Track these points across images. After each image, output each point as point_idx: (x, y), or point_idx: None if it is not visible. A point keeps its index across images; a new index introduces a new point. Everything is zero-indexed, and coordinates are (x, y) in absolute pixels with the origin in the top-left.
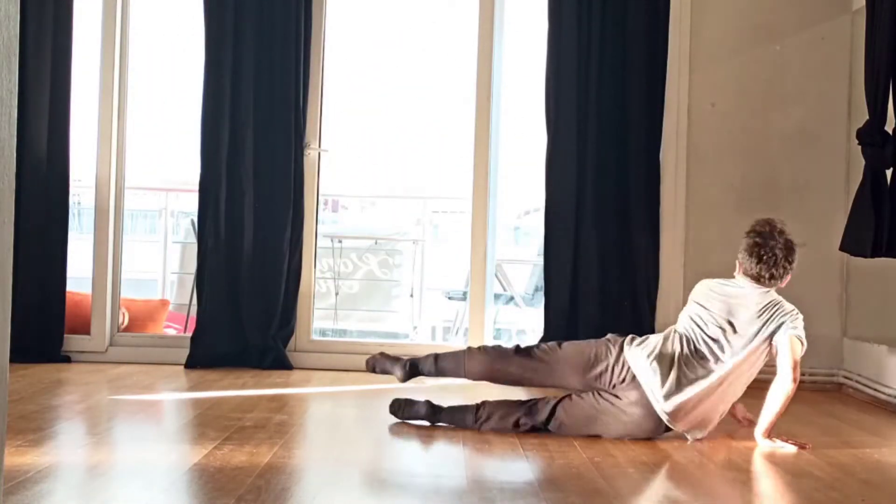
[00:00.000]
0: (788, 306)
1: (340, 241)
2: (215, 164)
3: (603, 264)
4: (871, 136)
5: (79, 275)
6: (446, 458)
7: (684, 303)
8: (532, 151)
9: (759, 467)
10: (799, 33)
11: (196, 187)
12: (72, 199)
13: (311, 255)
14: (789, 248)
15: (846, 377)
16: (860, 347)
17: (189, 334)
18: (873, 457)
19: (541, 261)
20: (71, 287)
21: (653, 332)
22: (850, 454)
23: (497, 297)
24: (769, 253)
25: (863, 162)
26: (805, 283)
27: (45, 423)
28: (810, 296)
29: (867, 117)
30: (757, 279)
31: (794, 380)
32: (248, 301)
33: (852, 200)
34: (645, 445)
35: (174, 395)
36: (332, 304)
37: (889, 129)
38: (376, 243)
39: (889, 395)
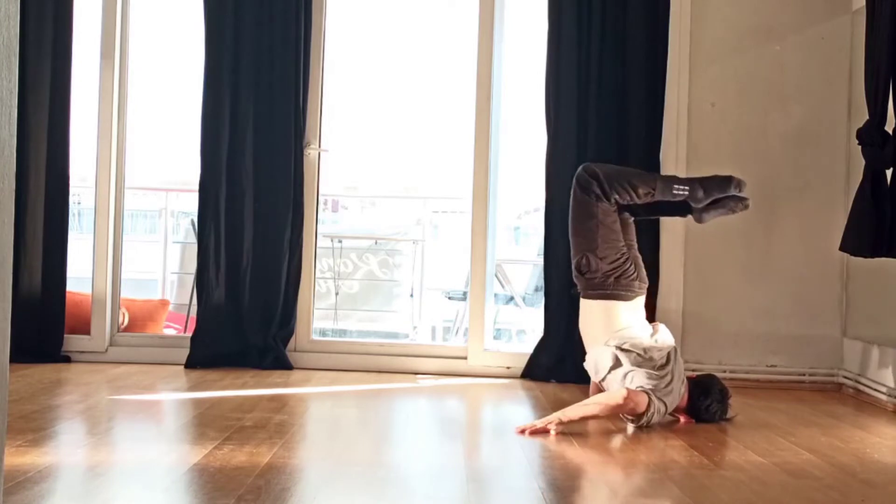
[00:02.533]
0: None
1: (340, 241)
2: (215, 164)
3: None
4: (871, 136)
5: (79, 275)
6: (447, 458)
7: (684, 302)
8: (532, 151)
9: (759, 467)
10: (799, 33)
11: (196, 187)
12: (72, 199)
13: (311, 255)
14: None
15: (846, 377)
16: (860, 347)
17: (189, 334)
18: (873, 457)
19: (541, 261)
20: (71, 287)
21: None
22: (850, 454)
23: (497, 296)
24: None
25: (863, 162)
26: (805, 283)
27: (45, 423)
28: (810, 296)
29: (867, 117)
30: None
31: (620, 398)
32: (248, 301)
33: (852, 200)
34: (645, 446)
35: (174, 395)
36: (332, 304)
37: (889, 129)
38: (376, 243)
39: (889, 395)
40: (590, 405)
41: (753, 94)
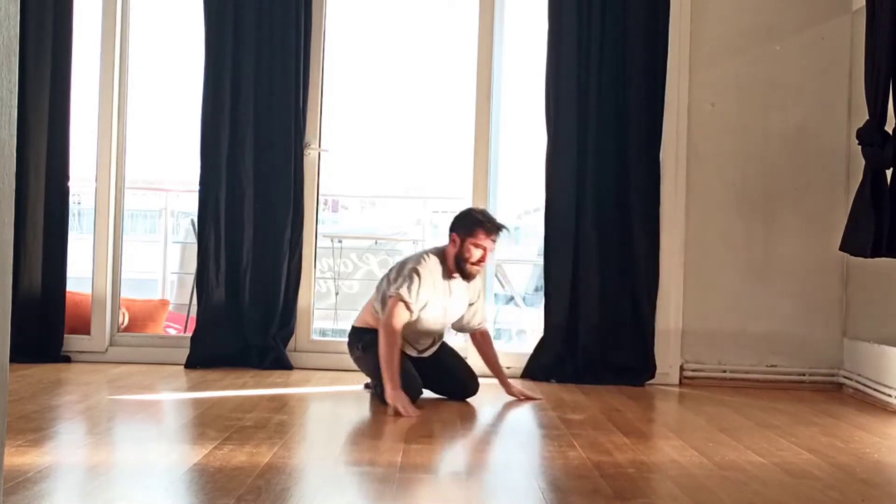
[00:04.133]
0: (407, 269)
1: (340, 241)
2: (215, 164)
3: (603, 264)
4: (871, 136)
5: (79, 275)
6: (446, 458)
7: (685, 302)
8: (532, 151)
9: (759, 467)
10: (799, 33)
11: (196, 187)
12: (72, 199)
13: (311, 255)
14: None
15: (846, 377)
16: (860, 347)
17: (189, 334)
18: (873, 457)
19: (541, 261)
20: (71, 287)
21: (653, 331)
22: (850, 454)
23: (497, 296)
24: None
25: (863, 162)
26: (805, 283)
27: (45, 423)
28: (810, 296)
29: (867, 117)
30: None
31: (384, 325)
32: (248, 301)
33: (852, 200)
34: (646, 445)
35: (174, 395)
36: (332, 304)
37: (889, 129)
38: (376, 243)
39: (889, 395)
40: (381, 349)
41: (753, 94)
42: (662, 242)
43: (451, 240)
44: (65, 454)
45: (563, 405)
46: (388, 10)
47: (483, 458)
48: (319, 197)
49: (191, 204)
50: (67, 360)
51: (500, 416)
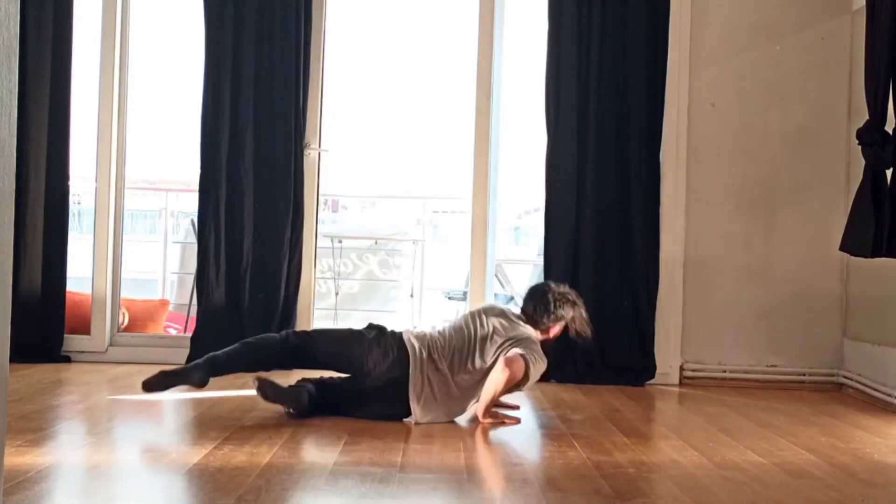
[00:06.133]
0: (534, 344)
1: (340, 241)
2: (215, 164)
3: (603, 264)
4: (871, 136)
5: (79, 275)
6: (446, 458)
7: (684, 303)
8: (532, 151)
9: (759, 467)
10: (799, 33)
11: (196, 187)
12: (72, 199)
13: (311, 255)
14: (560, 300)
15: (846, 377)
16: (860, 347)
17: (189, 334)
18: (873, 457)
19: (541, 261)
20: (71, 287)
21: (653, 331)
22: (850, 454)
23: (497, 296)
24: (542, 298)
25: (863, 162)
26: (805, 283)
27: (45, 423)
28: (810, 296)
29: (867, 117)
30: (527, 318)
31: (503, 371)
32: (248, 301)
33: (852, 200)
34: (645, 445)
35: (174, 395)
36: (332, 304)
37: (889, 129)
38: (376, 243)
39: (889, 395)
40: (489, 388)
41: (753, 94)
42: (662, 242)
43: (549, 328)
44: (65, 454)
45: (563, 405)
46: (388, 10)
47: (483, 458)
48: (319, 197)
49: (191, 204)
50: (67, 360)
51: None
